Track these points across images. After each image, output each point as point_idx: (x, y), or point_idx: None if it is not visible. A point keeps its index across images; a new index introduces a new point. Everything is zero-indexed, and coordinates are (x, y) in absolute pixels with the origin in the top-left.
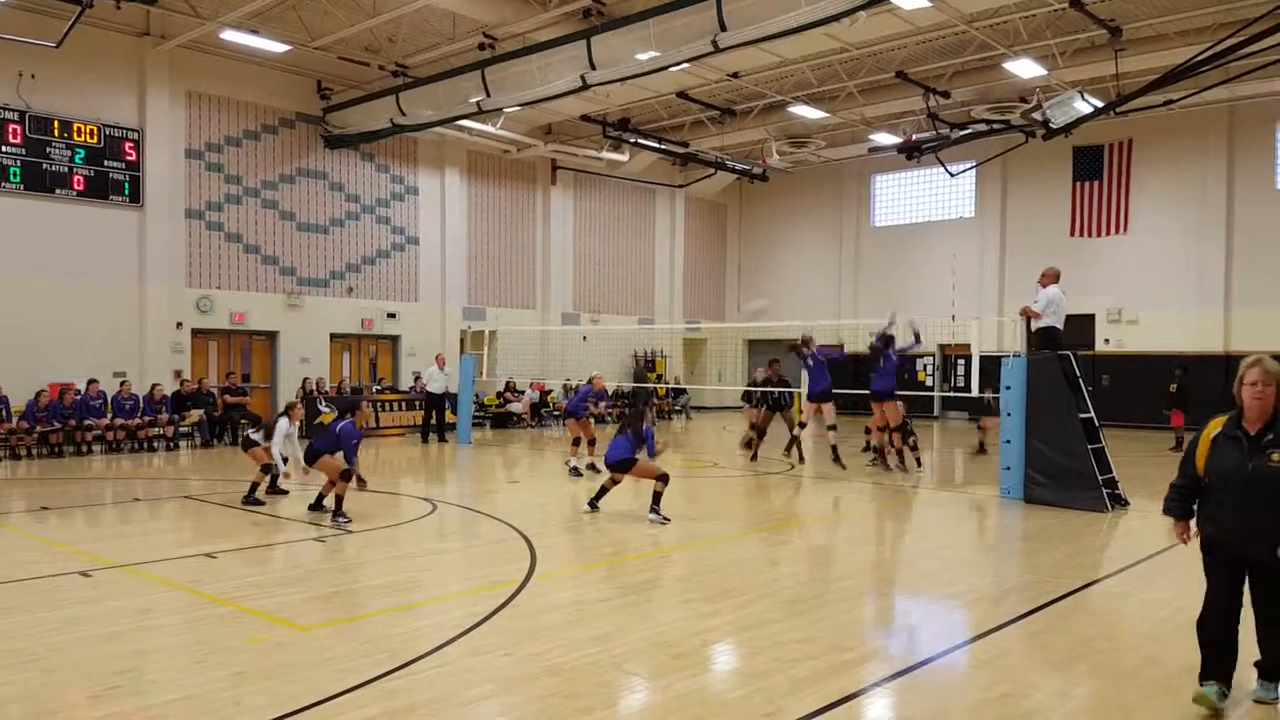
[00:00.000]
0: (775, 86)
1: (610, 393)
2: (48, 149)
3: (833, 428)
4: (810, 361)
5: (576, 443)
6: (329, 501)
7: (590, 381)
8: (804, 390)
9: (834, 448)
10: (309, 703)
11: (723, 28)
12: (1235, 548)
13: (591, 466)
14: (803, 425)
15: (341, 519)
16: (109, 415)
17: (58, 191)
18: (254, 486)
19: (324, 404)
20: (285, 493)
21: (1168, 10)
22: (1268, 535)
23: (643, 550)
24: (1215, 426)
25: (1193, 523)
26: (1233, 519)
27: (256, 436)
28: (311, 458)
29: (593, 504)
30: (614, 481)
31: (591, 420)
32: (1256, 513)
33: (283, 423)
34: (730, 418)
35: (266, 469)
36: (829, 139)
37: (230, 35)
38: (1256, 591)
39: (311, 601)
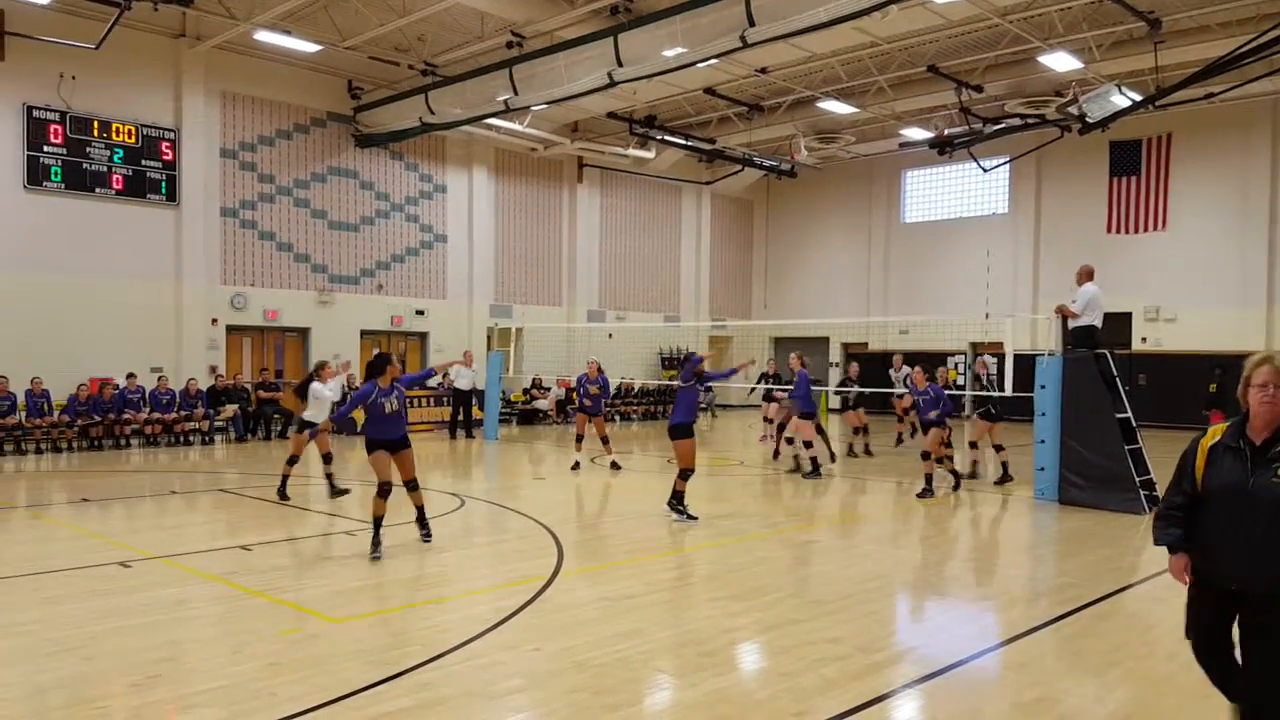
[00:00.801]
0: (804, 82)
1: (631, 388)
2: (87, 149)
3: (808, 443)
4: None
5: (579, 439)
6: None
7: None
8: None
9: (813, 459)
10: (342, 693)
11: (751, 23)
12: (1227, 580)
13: (614, 464)
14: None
15: (425, 534)
16: (146, 409)
17: (97, 190)
18: (284, 479)
19: None
20: (346, 491)
21: (1208, 1)
22: (1269, 567)
23: (669, 548)
24: (1214, 434)
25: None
26: (1228, 545)
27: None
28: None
29: (672, 505)
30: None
31: (614, 420)
32: (1257, 539)
33: (315, 386)
34: (756, 416)
35: (293, 460)
36: (858, 134)
37: (263, 36)
38: (1246, 637)
39: (343, 594)
